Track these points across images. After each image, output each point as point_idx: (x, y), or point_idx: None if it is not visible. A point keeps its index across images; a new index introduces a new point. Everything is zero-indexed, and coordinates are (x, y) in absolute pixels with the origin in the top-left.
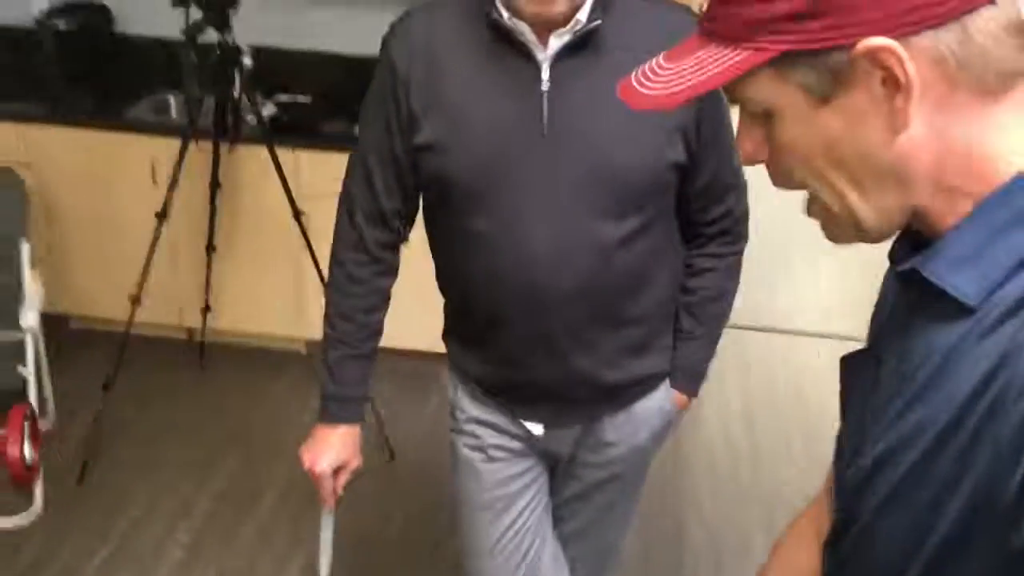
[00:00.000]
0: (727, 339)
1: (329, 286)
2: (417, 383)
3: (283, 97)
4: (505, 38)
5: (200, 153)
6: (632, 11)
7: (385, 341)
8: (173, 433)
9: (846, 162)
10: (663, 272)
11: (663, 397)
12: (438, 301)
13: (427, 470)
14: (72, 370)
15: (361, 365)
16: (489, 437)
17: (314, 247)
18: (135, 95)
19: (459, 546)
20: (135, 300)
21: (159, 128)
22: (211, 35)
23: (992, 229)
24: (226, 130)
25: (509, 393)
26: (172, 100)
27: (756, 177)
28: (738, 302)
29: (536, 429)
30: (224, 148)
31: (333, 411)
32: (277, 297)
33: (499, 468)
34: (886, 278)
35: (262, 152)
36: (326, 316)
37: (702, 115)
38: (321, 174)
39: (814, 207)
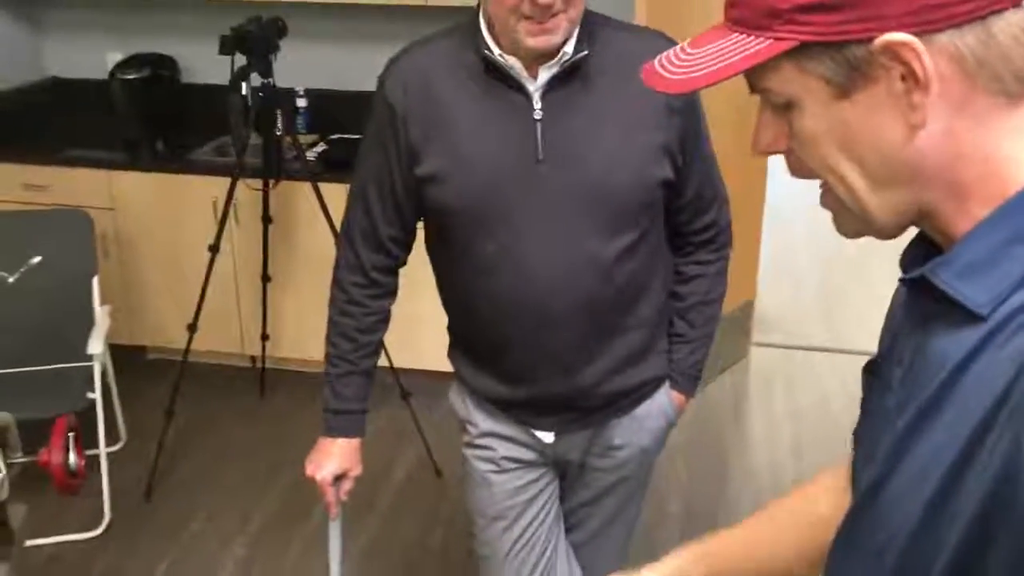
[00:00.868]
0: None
1: (331, 307)
2: None
3: (334, 136)
4: (497, 72)
5: (253, 191)
6: (614, 40)
7: (431, 364)
8: (232, 454)
9: (861, 156)
10: (657, 279)
11: (663, 399)
12: None
13: None
14: (143, 396)
15: (360, 381)
16: (502, 449)
17: None
18: (200, 139)
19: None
20: (191, 328)
21: (219, 168)
22: (256, 79)
23: (1007, 236)
24: (273, 168)
25: (519, 406)
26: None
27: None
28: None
29: (547, 437)
30: (272, 185)
31: (334, 424)
32: None
33: (510, 478)
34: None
35: (308, 187)
36: (328, 335)
37: (685, 131)
38: None
39: (827, 198)
